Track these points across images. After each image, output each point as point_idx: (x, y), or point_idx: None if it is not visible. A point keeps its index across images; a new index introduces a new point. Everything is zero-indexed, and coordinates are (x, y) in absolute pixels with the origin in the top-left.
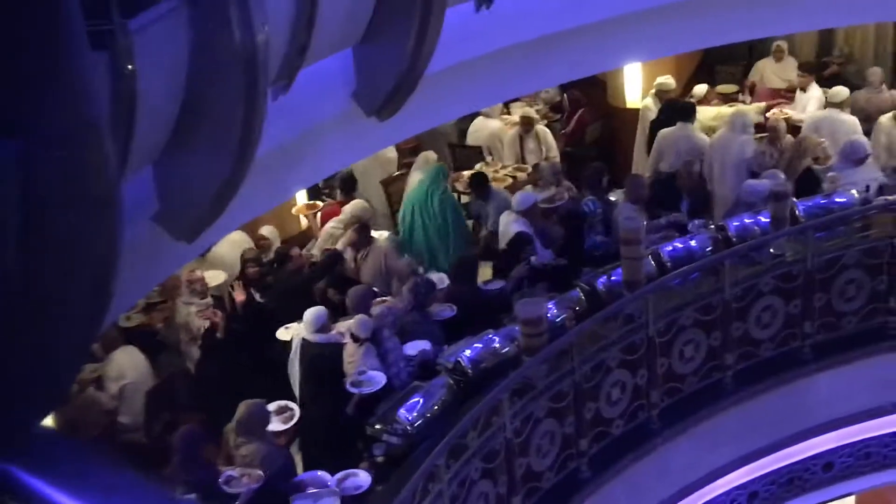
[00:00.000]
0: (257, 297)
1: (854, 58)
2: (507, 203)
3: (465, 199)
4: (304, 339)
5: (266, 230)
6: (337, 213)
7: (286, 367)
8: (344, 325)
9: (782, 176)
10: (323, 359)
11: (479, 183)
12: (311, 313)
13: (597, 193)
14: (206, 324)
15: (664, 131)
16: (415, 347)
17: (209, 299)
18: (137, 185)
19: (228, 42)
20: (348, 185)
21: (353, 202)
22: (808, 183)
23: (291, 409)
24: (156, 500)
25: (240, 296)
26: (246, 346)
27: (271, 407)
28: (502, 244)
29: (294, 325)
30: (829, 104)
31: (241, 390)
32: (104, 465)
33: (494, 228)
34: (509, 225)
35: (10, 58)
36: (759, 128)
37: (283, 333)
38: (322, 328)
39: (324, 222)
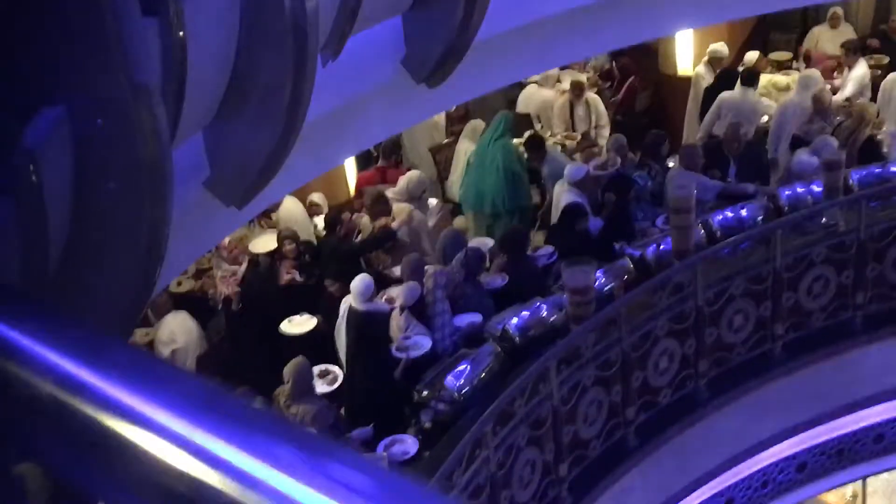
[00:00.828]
0: (295, 275)
1: None
2: (561, 168)
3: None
4: (350, 307)
5: (316, 196)
6: (373, 179)
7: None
8: (395, 291)
9: (834, 144)
10: (370, 325)
11: (536, 146)
12: (358, 281)
13: (657, 160)
14: (227, 291)
15: (725, 94)
16: (464, 320)
17: (236, 267)
18: (188, 151)
19: (278, 7)
20: (389, 151)
21: (409, 174)
22: (870, 152)
23: (333, 372)
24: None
25: (285, 275)
26: (250, 328)
27: (315, 370)
28: (555, 215)
29: (297, 318)
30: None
31: (252, 365)
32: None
33: (549, 194)
34: (562, 195)
35: (56, 21)
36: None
37: (287, 327)
38: (370, 296)
39: (359, 186)
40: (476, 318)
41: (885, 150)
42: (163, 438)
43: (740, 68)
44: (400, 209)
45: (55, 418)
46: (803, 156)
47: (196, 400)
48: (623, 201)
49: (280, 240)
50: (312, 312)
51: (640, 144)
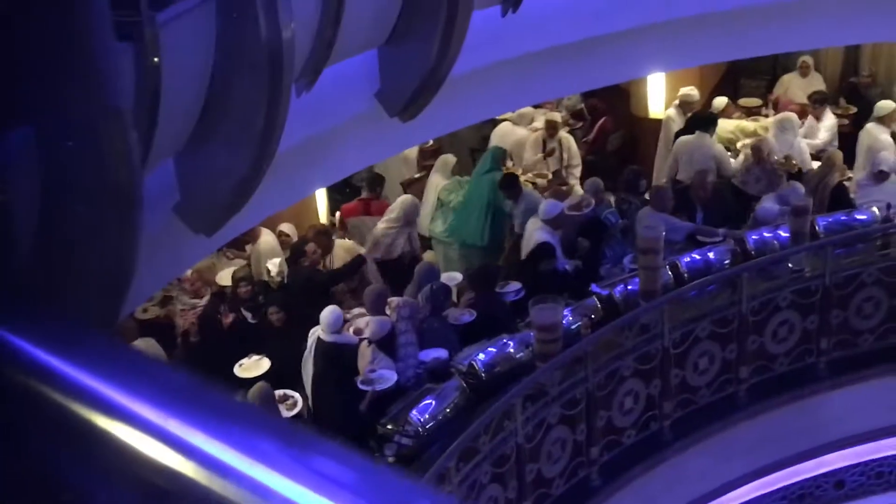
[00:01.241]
0: (248, 317)
1: (879, 78)
2: (535, 205)
3: None
4: (319, 338)
5: (286, 227)
6: (357, 210)
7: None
8: (362, 322)
9: (802, 190)
10: (338, 357)
11: (510, 184)
12: (327, 313)
13: (635, 195)
14: (185, 324)
15: (682, 139)
16: (429, 355)
17: (197, 300)
18: (159, 176)
19: (254, 38)
20: (373, 183)
21: (401, 198)
22: (840, 197)
23: (293, 397)
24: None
25: (227, 318)
26: (207, 363)
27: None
28: (525, 251)
29: (246, 361)
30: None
31: None
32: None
33: (521, 232)
34: (534, 233)
35: (30, 41)
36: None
37: (239, 371)
38: (338, 329)
39: (344, 217)
40: (442, 353)
41: (852, 195)
42: (140, 429)
43: (711, 113)
44: (377, 236)
45: (29, 408)
46: (766, 203)
47: (175, 391)
48: (596, 245)
49: (235, 281)
50: (260, 351)
51: (616, 181)
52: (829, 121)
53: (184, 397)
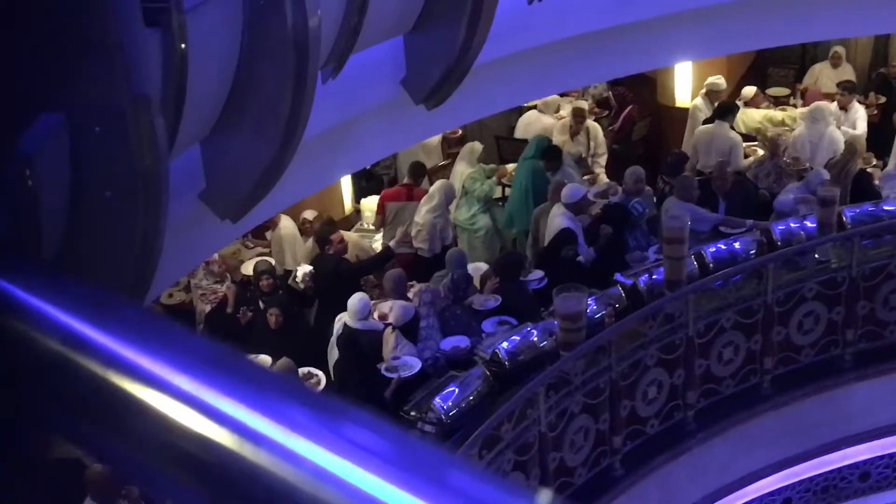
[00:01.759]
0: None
1: None
2: (571, 180)
3: (508, 191)
4: (345, 325)
5: (309, 214)
6: (400, 195)
7: None
8: (386, 306)
9: (826, 176)
10: (362, 344)
11: (554, 155)
12: (355, 300)
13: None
14: (208, 309)
15: (701, 128)
16: (449, 343)
17: (218, 286)
18: (185, 162)
19: (281, 24)
20: (417, 173)
21: (438, 182)
22: (862, 185)
23: (317, 376)
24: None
25: (245, 317)
26: None
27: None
28: (548, 236)
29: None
30: None
31: None
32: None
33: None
34: (555, 218)
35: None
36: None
37: None
38: (365, 315)
39: (384, 202)
40: (462, 340)
41: (876, 182)
42: (172, 397)
43: (739, 101)
44: (423, 225)
45: (62, 376)
46: (784, 194)
47: (206, 359)
48: (619, 233)
49: (256, 274)
50: (261, 350)
51: (662, 165)
52: (862, 110)
53: (216, 366)
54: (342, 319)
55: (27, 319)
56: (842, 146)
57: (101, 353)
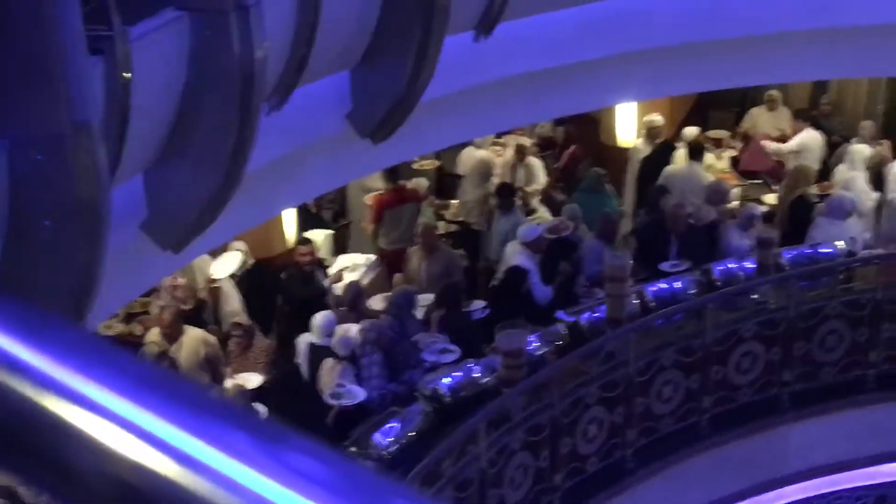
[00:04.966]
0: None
1: (844, 109)
2: (517, 225)
3: (451, 227)
4: (310, 343)
5: (239, 244)
6: (393, 201)
7: None
8: (342, 329)
9: (756, 212)
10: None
11: (506, 193)
12: (320, 317)
13: (656, 213)
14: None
15: (671, 169)
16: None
17: (188, 306)
18: (126, 192)
19: (227, 55)
20: (395, 175)
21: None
22: (800, 209)
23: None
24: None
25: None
26: None
27: None
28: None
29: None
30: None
31: None
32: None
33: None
34: (512, 256)
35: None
36: None
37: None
38: (330, 332)
39: (380, 208)
40: (409, 376)
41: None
42: (110, 421)
43: (677, 143)
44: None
45: None
46: (732, 240)
47: (146, 382)
48: (576, 272)
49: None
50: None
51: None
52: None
53: (155, 389)
54: (306, 340)
55: None
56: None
57: (34, 375)
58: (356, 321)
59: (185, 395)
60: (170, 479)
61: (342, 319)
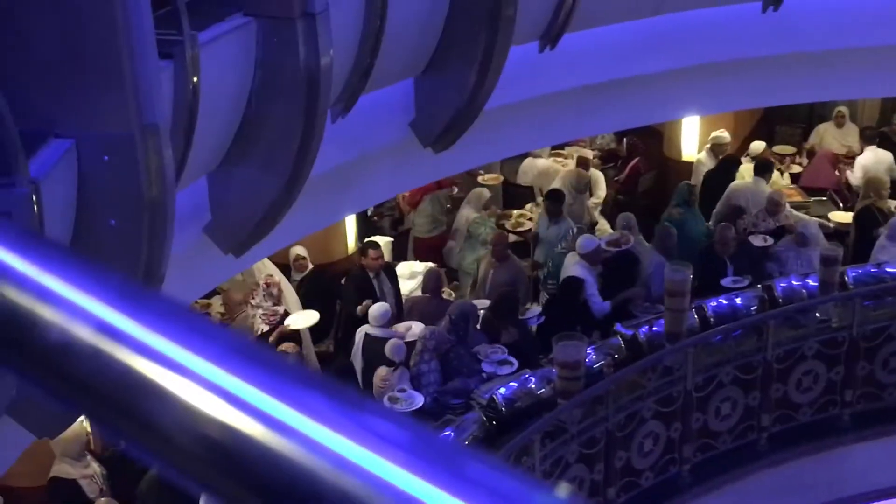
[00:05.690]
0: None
1: None
2: (566, 231)
3: (512, 237)
4: (366, 333)
5: (300, 249)
6: (430, 186)
7: None
8: (402, 326)
9: (815, 229)
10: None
11: (558, 199)
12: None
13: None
14: (266, 328)
15: (736, 184)
16: (452, 387)
17: (280, 308)
18: (190, 195)
19: (293, 62)
20: None
21: (473, 190)
22: (867, 219)
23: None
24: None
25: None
26: None
27: None
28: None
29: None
30: None
31: None
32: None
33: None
34: (570, 267)
35: (72, 55)
36: None
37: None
38: (386, 322)
39: (415, 197)
40: (465, 384)
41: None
42: (200, 386)
43: (743, 158)
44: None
45: (90, 366)
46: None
47: (233, 350)
48: (632, 280)
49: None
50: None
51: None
52: (867, 155)
53: (241, 356)
54: (362, 331)
55: (54, 306)
56: None
57: (132, 343)
58: (437, 308)
59: (269, 362)
60: (256, 438)
61: (423, 306)
